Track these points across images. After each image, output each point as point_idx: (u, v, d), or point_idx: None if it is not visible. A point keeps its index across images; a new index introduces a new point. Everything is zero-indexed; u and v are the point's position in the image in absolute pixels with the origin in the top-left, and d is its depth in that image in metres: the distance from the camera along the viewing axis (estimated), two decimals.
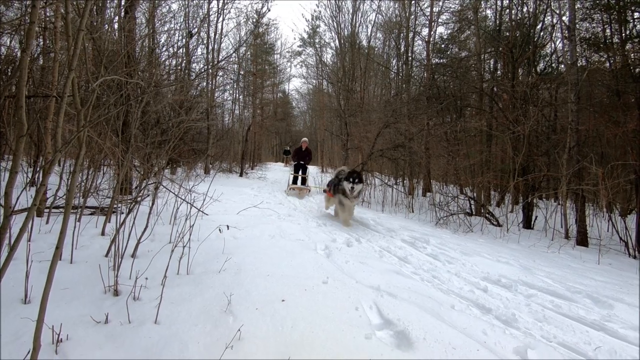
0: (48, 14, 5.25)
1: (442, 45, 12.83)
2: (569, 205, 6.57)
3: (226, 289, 2.34)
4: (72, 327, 1.79)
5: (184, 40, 12.36)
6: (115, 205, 3.59)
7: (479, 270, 3.59)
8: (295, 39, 53.00)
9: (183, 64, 12.78)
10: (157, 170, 3.72)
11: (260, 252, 3.23)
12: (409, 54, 12.78)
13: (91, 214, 3.88)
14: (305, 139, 10.70)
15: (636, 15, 7.36)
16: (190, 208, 3.43)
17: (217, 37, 14.18)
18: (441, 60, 12.27)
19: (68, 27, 1.37)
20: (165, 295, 2.12)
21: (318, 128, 24.70)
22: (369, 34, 16.37)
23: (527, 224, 6.66)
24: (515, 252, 4.70)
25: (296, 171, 10.13)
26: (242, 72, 16.93)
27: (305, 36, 20.05)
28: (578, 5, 7.93)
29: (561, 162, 5.81)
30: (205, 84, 13.46)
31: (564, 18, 6.51)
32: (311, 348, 1.78)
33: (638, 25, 7.30)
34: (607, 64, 7.31)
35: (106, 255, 2.75)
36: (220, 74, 14.28)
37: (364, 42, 16.53)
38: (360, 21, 16.17)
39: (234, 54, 15.16)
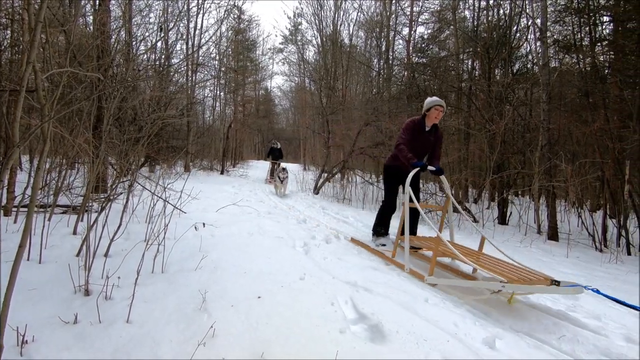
0: (16, 5, 5.04)
1: (423, 45, 13.03)
2: (541, 202, 6.81)
3: (201, 286, 2.33)
4: (39, 328, 1.74)
5: (161, 34, 12.09)
6: (88, 204, 3.49)
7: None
8: (277, 35, 52.75)
9: (162, 59, 12.52)
10: (133, 169, 3.64)
11: (238, 250, 3.22)
12: (390, 53, 12.91)
13: (63, 213, 3.77)
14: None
15: (606, 19, 7.70)
16: (165, 205, 3.37)
17: (196, 32, 13.94)
18: (421, 60, 12.46)
19: (30, 18, 1.33)
20: (138, 294, 2.09)
21: (301, 126, 24.66)
22: (350, 32, 16.46)
23: (502, 219, 6.87)
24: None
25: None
26: (223, 69, 16.71)
27: (287, 33, 19.98)
28: (551, 9, 8.22)
29: (534, 160, 6.02)
30: (184, 79, 13.23)
31: (536, 21, 6.73)
32: (285, 343, 1.79)
33: (607, 29, 7.63)
34: (578, 65, 7.61)
35: (77, 255, 2.69)
36: (200, 70, 14.04)
37: (346, 40, 16.60)
38: (342, 19, 16.18)
39: (214, 50, 14.96)
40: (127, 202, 2.93)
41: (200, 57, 14.11)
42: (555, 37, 8.10)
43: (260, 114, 26.11)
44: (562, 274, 3.86)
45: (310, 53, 19.51)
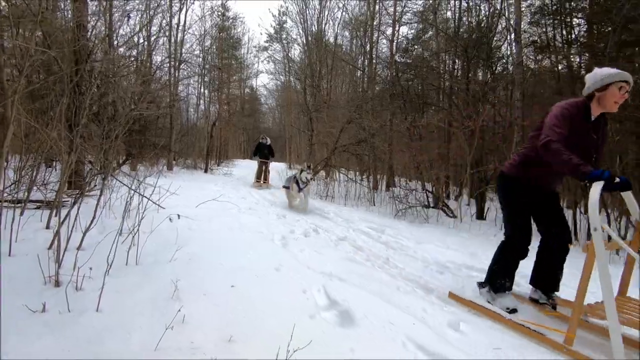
0: None
1: (407, 45, 13.19)
2: None
3: (175, 277, 2.34)
4: (6, 318, 1.74)
5: (143, 30, 11.92)
6: (63, 199, 3.45)
7: (429, 256, 3.79)
8: (262, 33, 52.45)
9: (143, 55, 12.34)
10: (108, 162, 3.61)
11: (215, 243, 3.24)
12: (373, 53, 13.04)
13: (37, 208, 3.70)
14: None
15: (580, 21, 7.99)
16: (141, 199, 3.36)
17: (179, 28, 13.79)
18: (404, 60, 12.62)
19: None
20: (111, 286, 2.09)
21: (287, 125, 24.65)
22: (335, 31, 16.55)
23: (480, 214, 7.06)
24: (465, 241, 4.99)
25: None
26: (207, 66, 16.57)
27: (272, 31, 19.93)
28: (531, 11, 8.48)
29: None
30: (167, 76, 13.07)
31: (511, 21, 6.94)
32: (254, 328, 1.83)
33: (582, 31, 7.92)
34: (556, 66, 7.87)
35: (49, 248, 2.66)
36: (184, 66, 13.89)
37: (332, 40, 16.69)
38: (327, 18, 16.28)
39: (197, 47, 14.81)
40: (101, 194, 2.91)
41: (184, 54, 13.97)
42: (531, 38, 8.37)
43: (246, 112, 25.97)
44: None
45: (296, 52, 19.50)
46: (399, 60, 12.11)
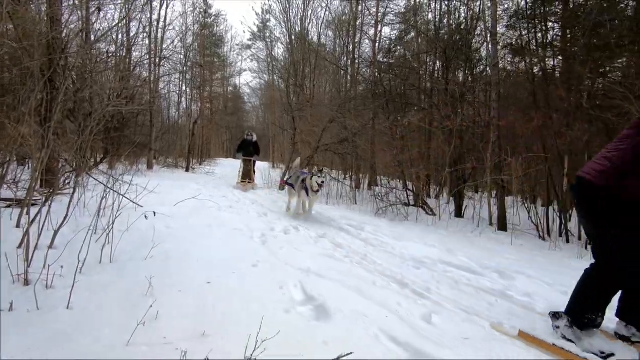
0: None
1: (390, 46, 13.34)
2: (493, 195, 7.22)
3: (151, 274, 2.32)
4: None
5: (122, 26, 11.65)
6: (35, 198, 3.36)
7: (407, 252, 3.86)
8: (245, 31, 51.97)
9: (122, 52, 12.05)
10: (83, 160, 3.53)
11: (193, 240, 3.22)
12: (356, 53, 13.15)
13: (7, 207, 3.59)
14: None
15: (555, 25, 8.26)
16: (117, 197, 3.30)
17: (160, 25, 13.54)
18: (386, 60, 12.76)
19: None
20: (83, 284, 2.06)
21: (270, 124, 24.54)
22: (319, 31, 16.57)
23: (458, 212, 7.23)
24: (443, 238, 5.11)
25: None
26: (189, 64, 16.33)
27: (256, 30, 19.80)
28: (508, 15, 8.72)
29: (486, 155, 6.38)
30: (147, 73, 12.82)
31: (488, 24, 7.13)
32: (229, 323, 1.84)
33: (554, 35, 8.19)
34: (531, 68, 8.12)
35: (19, 247, 2.59)
36: (165, 63, 13.65)
37: (315, 39, 16.71)
38: (311, 18, 16.28)
39: (179, 44, 14.57)
40: (74, 192, 2.85)
41: (165, 51, 13.72)
42: (508, 41, 8.60)
43: (229, 110, 25.72)
44: (506, 260, 4.15)
45: (280, 50, 19.43)
46: (381, 60, 12.25)
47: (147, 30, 12.87)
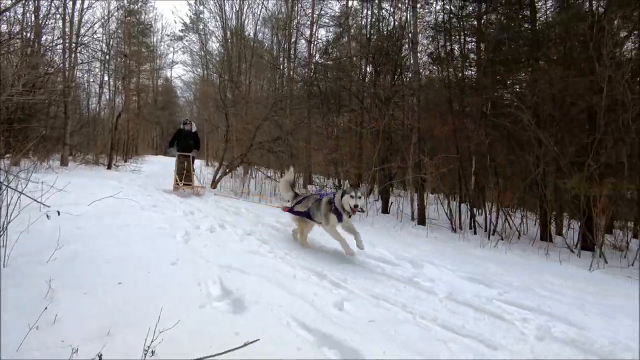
0: None
1: (326, 46, 13.65)
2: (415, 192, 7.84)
3: (52, 276, 2.16)
4: None
5: (30, 5, 10.36)
6: None
7: (331, 247, 4.05)
8: (176, 22, 49.21)
9: (30, 34, 10.72)
10: None
11: (105, 241, 3.04)
12: (292, 52, 13.26)
13: None
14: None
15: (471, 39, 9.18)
16: (14, 195, 2.99)
17: (76, 7, 12.28)
18: (323, 61, 13.07)
19: None
20: None
21: (205, 120, 23.60)
22: (256, 27, 16.37)
23: (384, 208, 7.72)
24: (368, 233, 5.40)
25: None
26: (112, 52, 15.04)
27: (188, 21, 18.90)
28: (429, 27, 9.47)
29: (408, 155, 6.91)
30: (60, 60, 11.55)
31: (410, 35, 7.71)
32: (137, 321, 1.81)
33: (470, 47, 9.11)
34: (448, 77, 8.94)
35: None
36: (82, 50, 12.40)
37: (252, 35, 16.47)
38: (247, 13, 16.01)
39: (99, 29, 13.36)
40: None
41: (83, 37, 12.46)
42: (429, 50, 9.38)
43: (159, 104, 24.20)
44: (420, 251, 4.56)
45: (215, 45, 18.78)
46: (319, 61, 12.52)
47: (60, 11, 11.59)
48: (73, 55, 12.05)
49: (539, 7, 7.52)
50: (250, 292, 2.34)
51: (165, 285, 2.29)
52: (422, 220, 6.76)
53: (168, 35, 20.70)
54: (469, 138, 6.66)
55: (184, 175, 7.48)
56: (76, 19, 12.28)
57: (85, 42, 12.34)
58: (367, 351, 1.79)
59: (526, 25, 6.76)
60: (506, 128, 6.53)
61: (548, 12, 7.68)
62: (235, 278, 2.58)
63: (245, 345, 1.51)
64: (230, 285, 2.41)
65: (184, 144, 7.73)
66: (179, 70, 46.91)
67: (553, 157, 5.49)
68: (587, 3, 6.42)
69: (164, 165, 15.90)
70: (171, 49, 28.19)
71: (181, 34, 19.59)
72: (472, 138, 6.28)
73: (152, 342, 1.42)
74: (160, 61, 21.66)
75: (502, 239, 5.78)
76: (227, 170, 9.34)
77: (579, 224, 5.76)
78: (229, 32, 16.11)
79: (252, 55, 15.46)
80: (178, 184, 7.36)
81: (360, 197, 3.55)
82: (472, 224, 6.52)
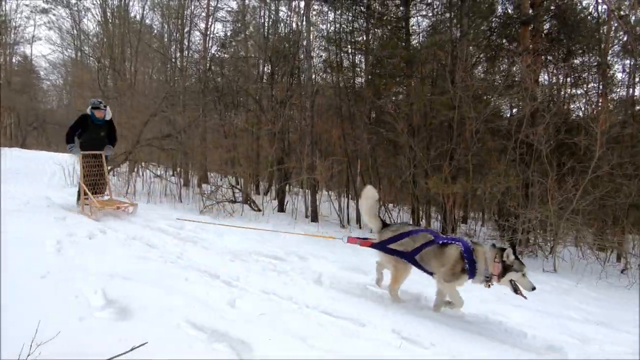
0: None
1: (224, 41, 13.22)
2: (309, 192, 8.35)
3: None
4: None
5: None
6: None
7: (227, 246, 4.13)
8: None
9: None
10: None
11: None
12: (185, 43, 12.57)
13: None
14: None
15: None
16: None
17: None
18: (218, 55, 12.66)
19: None
20: None
21: (78, 109, 20.45)
22: (143, 10, 14.90)
23: (281, 207, 8.02)
24: (263, 231, 5.62)
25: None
26: None
27: None
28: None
29: (302, 156, 7.32)
30: None
31: (304, 42, 8.15)
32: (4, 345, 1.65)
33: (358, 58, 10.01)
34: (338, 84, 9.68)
35: None
36: None
37: (138, 18, 14.95)
38: None
39: None
40: None
41: None
42: (323, 59, 10.01)
43: (14, 86, 20.06)
44: (310, 246, 4.94)
45: (91, 24, 16.43)
46: (216, 55, 12.10)
47: None
48: None
49: (415, 29, 8.77)
50: (138, 298, 2.30)
51: (34, 302, 2.10)
52: (314, 217, 7.25)
53: (27, 6, 17.29)
54: (355, 142, 7.42)
55: (96, 184, 5.32)
56: None
57: None
58: (254, 340, 1.98)
59: (403, 44, 7.80)
60: (385, 134, 7.48)
61: (421, 35, 9.02)
62: (120, 286, 2.49)
63: (132, 349, 1.54)
64: (114, 294, 2.33)
65: (93, 137, 5.39)
66: (43, 49, 39.05)
67: (420, 160, 6.53)
68: (449, 31, 7.78)
69: (27, 162, 13.04)
70: (32, 21, 23.53)
71: (46, 5, 16.60)
72: (359, 142, 7.02)
73: (27, 356, 1.35)
74: (16, 35, 17.95)
75: None
76: (110, 169, 8.39)
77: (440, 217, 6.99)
78: (109, 12, 14.33)
79: (139, 41, 14.05)
80: (88, 199, 4.96)
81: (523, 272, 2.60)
82: (359, 219, 7.29)
